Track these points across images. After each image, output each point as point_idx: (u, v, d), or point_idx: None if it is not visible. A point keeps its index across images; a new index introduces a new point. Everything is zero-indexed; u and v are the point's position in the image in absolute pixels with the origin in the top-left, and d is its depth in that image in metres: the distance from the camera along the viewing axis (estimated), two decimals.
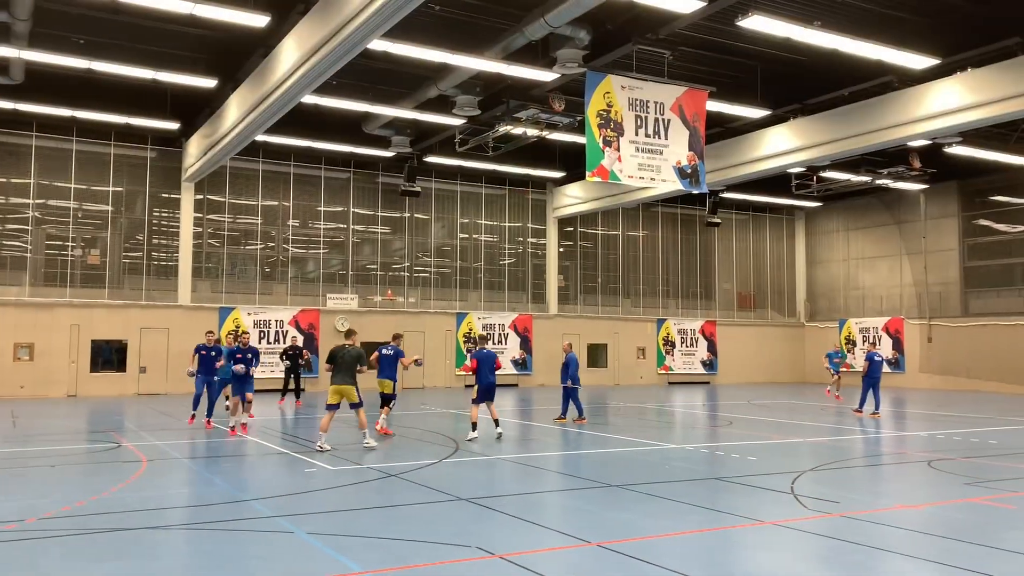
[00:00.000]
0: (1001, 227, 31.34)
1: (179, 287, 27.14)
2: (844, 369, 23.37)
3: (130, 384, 26.23)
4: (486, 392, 14.21)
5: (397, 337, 15.31)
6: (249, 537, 7.38)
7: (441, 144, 26.62)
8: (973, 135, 23.06)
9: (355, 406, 12.86)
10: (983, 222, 31.90)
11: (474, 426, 14.09)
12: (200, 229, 27.79)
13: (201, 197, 27.79)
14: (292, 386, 21.70)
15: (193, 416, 16.85)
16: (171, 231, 27.42)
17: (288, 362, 21.30)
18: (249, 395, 15.24)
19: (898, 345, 34.10)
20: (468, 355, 16.76)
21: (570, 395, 17.34)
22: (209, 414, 16.60)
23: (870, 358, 19.67)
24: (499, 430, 14.29)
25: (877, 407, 19.59)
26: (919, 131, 20.20)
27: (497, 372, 14.90)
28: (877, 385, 19.54)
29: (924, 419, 19.66)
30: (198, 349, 16.69)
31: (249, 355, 15.25)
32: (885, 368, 33.94)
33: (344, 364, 12.65)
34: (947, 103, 19.15)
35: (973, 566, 6.43)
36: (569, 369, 17.22)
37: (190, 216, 27.39)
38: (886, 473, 11.57)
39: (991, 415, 20.29)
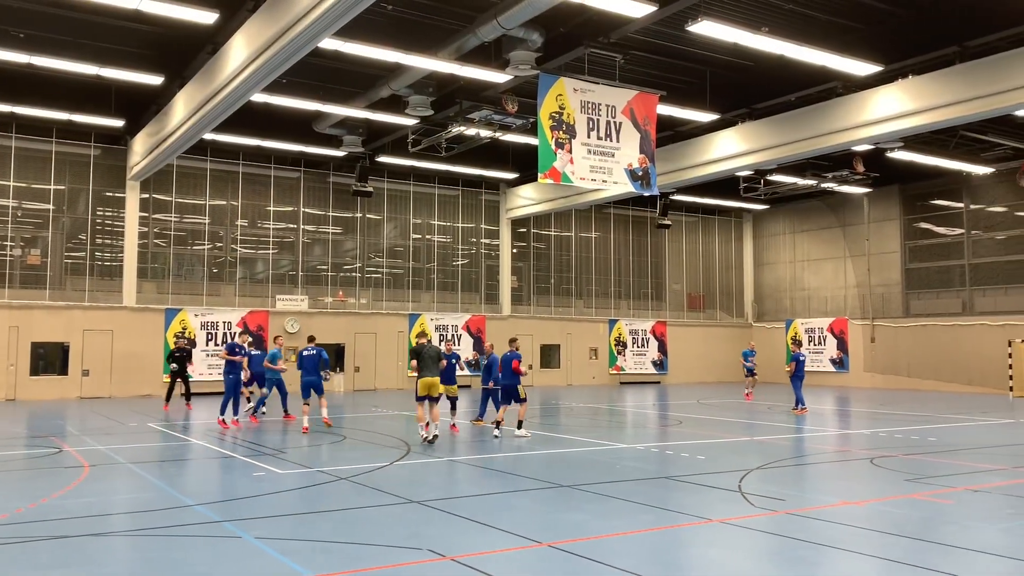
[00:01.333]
0: (940, 230, 32.27)
1: (124, 288, 26.53)
2: (787, 369, 23.92)
3: (72, 387, 25.56)
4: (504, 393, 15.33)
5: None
6: (195, 543, 7.25)
7: (394, 144, 26.48)
8: (914, 140, 23.71)
9: (436, 398, 14.19)
10: (923, 225, 32.82)
11: (498, 424, 14.95)
12: (146, 229, 27.21)
13: (147, 196, 27.21)
14: (182, 390, 20.83)
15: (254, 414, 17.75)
16: (115, 231, 26.80)
17: (176, 365, 20.59)
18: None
19: (842, 345, 34.89)
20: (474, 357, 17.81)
21: (491, 395, 16.94)
22: (254, 411, 17.71)
23: (795, 358, 20.83)
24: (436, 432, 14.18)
25: (802, 404, 20.51)
26: (862, 136, 20.70)
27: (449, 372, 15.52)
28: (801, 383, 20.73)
29: (867, 417, 20.16)
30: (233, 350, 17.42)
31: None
32: (831, 368, 35.03)
33: (427, 360, 14.22)
34: (889, 109, 19.66)
35: (913, 560, 6.62)
36: (492, 370, 16.72)
37: (135, 215, 26.80)
38: (830, 470, 11.83)
39: (931, 413, 20.89)
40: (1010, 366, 27.60)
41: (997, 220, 30.34)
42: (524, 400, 15.11)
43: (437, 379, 14.27)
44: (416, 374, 14.34)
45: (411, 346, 14.09)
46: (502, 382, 15.47)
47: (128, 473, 11.13)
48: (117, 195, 26.75)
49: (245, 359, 17.26)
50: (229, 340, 27.18)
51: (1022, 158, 26.42)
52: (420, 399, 14.21)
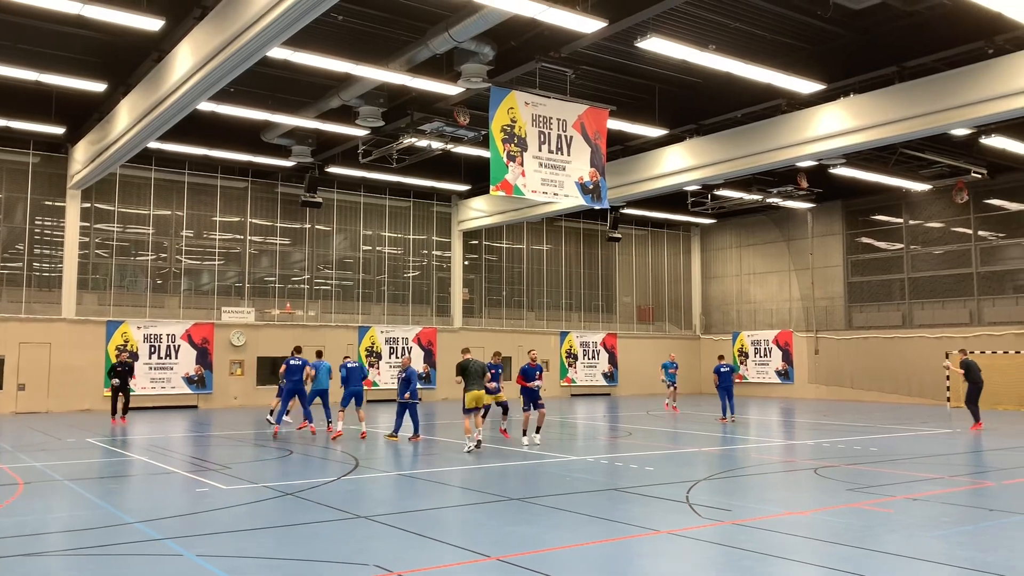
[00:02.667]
0: (881, 245, 33.14)
1: (63, 299, 25.79)
2: (737, 380, 24.38)
3: (7, 402, 24.71)
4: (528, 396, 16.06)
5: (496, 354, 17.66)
6: (134, 562, 7.05)
7: (344, 155, 26.26)
8: (856, 157, 24.33)
9: (487, 409, 15.40)
10: (865, 240, 33.67)
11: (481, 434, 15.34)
12: (87, 239, 26.52)
13: (88, 205, 26.54)
14: (122, 403, 20.86)
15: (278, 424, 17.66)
16: (55, 241, 26.07)
17: (117, 380, 20.60)
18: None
19: (787, 357, 35.55)
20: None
21: (408, 409, 16.85)
22: (308, 417, 17.77)
23: (717, 370, 22.06)
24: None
25: (732, 412, 21.74)
26: (806, 152, 21.18)
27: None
28: (729, 393, 21.89)
29: (811, 428, 20.55)
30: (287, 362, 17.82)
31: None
32: (776, 379, 35.66)
33: (474, 374, 15.05)
34: (832, 126, 20.15)
35: (853, 568, 6.74)
36: (411, 383, 16.72)
37: (76, 225, 26.10)
38: (775, 481, 12.01)
39: (872, 423, 21.37)
40: (947, 377, 28.41)
41: (935, 235, 31.29)
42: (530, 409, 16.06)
43: (483, 392, 15.10)
44: (465, 388, 15.13)
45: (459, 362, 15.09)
46: (527, 390, 16.26)
47: (65, 490, 10.79)
48: (57, 204, 26.05)
49: (312, 370, 17.75)
50: (174, 355, 26.65)
51: (958, 176, 27.30)
52: (468, 411, 14.95)
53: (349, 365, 17.55)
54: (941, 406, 27.77)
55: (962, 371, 19.61)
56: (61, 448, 15.45)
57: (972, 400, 19.49)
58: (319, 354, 18.39)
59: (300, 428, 18.05)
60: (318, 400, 17.67)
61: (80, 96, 20.67)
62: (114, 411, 21.06)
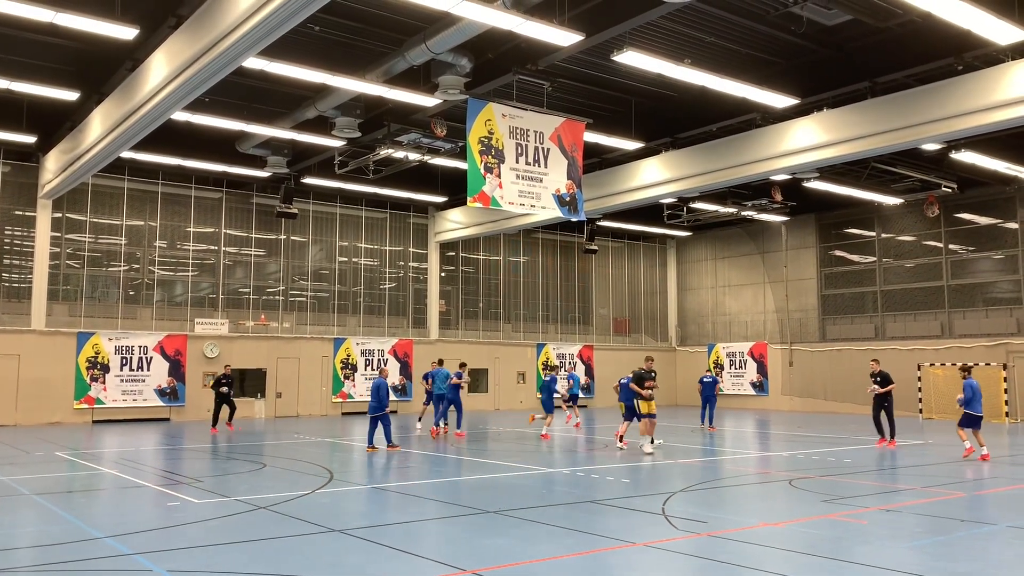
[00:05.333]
0: (854, 258, 33.51)
1: (32, 310, 25.37)
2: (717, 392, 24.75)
3: None
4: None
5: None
6: None
7: (320, 165, 26.14)
8: (829, 171, 24.62)
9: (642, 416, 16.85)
10: (838, 253, 34.03)
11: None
12: (58, 249, 26.16)
13: (59, 215, 26.19)
14: (227, 412, 22.77)
15: (436, 427, 20.43)
16: (25, 251, 25.68)
17: (225, 389, 22.38)
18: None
19: (762, 369, 35.77)
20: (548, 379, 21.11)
21: (380, 421, 16.97)
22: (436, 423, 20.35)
23: (701, 380, 23.91)
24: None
25: (711, 422, 23.30)
26: (780, 166, 21.39)
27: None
28: (710, 403, 23.49)
29: (786, 440, 20.67)
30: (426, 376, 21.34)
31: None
32: (751, 391, 35.86)
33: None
34: (805, 141, 20.38)
35: None
36: (381, 393, 16.91)
37: (47, 235, 25.73)
38: (751, 492, 12.06)
39: (846, 435, 21.54)
40: (919, 389, 28.74)
41: (906, 249, 31.69)
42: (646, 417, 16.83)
43: (642, 401, 16.94)
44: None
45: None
46: (623, 401, 17.43)
47: (32, 505, 10.58)
48: (27, 214, 25.68)
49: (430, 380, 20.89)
50: (146, 367, 26.35)
51: (929, 190, 27.72)
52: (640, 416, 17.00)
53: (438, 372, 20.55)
54: (914, 417, 28.05)
55: (877, 380, 18.40)
56: (29, 462, 15.18)
57: (883, 413, 18.32)
58: (440, 362, 22.00)
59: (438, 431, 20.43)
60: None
61: (52, 104, 20.42)
62: (215, 421, 22.52)
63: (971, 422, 15.27)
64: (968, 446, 15.58)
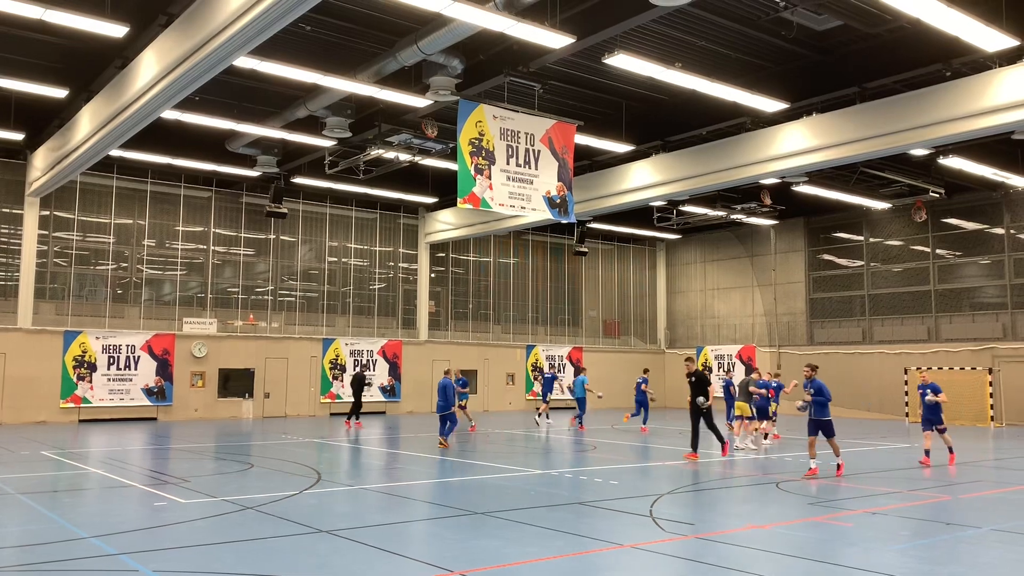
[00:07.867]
0: (842, 262, 33.68)
1: (19, 309, 25.22)
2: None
3: None
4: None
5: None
6: None
7: (310, 165, 26.08)
8: (818, 175, 24.75)
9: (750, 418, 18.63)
10: (827, 257, 34.20)
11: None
12: (45, 247, 26.00)
13: (47, 213, 26.04)
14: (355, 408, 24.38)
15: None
16: (12, 249, 25.52)
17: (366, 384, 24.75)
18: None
19: (750, 372, 35.80)
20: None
21: (448, 419, 18.41)
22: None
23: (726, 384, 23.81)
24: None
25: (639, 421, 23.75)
26: (770, 170, 21.48)
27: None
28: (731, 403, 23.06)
29: (773, 442, 20.72)
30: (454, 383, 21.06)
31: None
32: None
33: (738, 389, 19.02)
34: (794, 145, 20.47)
35: None
36: (448, 393, 18.46)
37: (34, 233, 25.58)
38: (738, 495, 12.10)
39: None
40: (906, 393, 28.89)
41: (894, 253, 31.87)
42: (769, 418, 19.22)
43: (746, 404, 19.04)
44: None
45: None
46: (756, 404, 18.85)
47: (17, 504, 10.52)
48: (15, 211, 25.52)
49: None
50: (134, 366, 26.22)
51: (917, 195, 27.89)
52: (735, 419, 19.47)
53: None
54: (900, 421, 28.21)
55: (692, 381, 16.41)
56: (14, 461, 15.08)
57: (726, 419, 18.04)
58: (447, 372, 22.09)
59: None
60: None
61: (40, 102, 20.32)
62: (350, 415, 24.36)
63: (820, 427, 14.09)
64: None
